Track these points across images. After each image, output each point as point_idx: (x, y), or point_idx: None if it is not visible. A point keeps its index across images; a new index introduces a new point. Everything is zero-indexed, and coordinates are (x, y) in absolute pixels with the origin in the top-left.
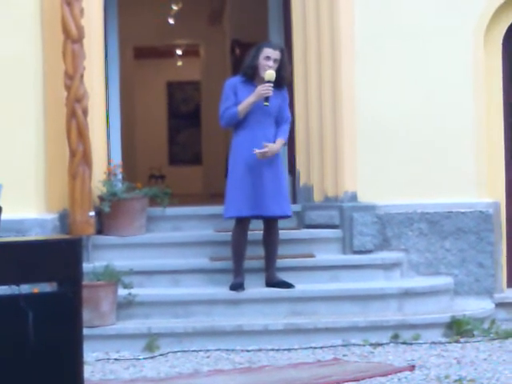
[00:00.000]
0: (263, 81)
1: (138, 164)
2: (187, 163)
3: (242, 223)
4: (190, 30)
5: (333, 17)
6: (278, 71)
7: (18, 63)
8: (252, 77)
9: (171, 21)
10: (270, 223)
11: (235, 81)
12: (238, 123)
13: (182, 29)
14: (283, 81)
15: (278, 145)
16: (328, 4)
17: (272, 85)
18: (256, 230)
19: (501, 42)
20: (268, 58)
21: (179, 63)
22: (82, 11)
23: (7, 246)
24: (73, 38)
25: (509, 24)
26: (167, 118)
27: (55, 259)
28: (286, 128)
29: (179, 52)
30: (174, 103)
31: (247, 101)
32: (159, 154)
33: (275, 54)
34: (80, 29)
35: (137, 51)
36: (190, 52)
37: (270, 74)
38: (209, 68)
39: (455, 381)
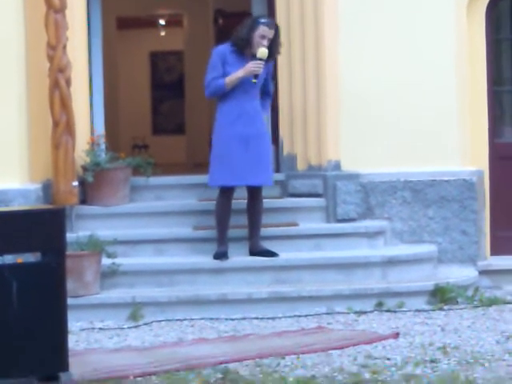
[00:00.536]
0: (253, 55)
1: (122, 134)
2: (170, 133)
3: (226, 192)
4: (173, 0)
5: None
6: (270, 48)
7: (0, 34)
8: (243, 48)
9: None
10: (254, 192)
11: (224, 49)
12: (224, 94)
13: None
14: (272, 57)
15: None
16: None
17: (263, 63)
18: (240, 199)
19: (484, 11)
20: (263, 36)
21: (162, 33)
22: None
23: None
24: (55, 8)
25: None
26: (150, 87)
27: (39, 229)
28: (268, 102)
29: (162, 22)
30: (158, 73)
31: (236, 75)
32: (143, 124)
33: (270, 33)
34: None
35: (120, 21)
36: (173, 22)
37: (262, 52)
38: (192, 38)
39: (439, 348)
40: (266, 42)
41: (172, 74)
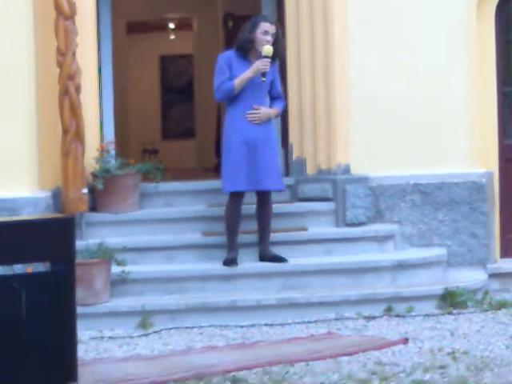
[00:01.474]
0: (259, 55)
1: (132, 139)
2: (180, 137)
3: (236, 197)
4: (183, 4)
5: None
6: (273, 46)
7: (10, 40)
8: (247, 51)
9: None
10: (264, 197)
11: (229, 54)
12: (232, 97)
13: (175, 2)
14: (278, 55)
15: (270, 110)
16: None
17: (270, 60)
18: (249, 204)
19: (493, 12)
20: (266, 32)
21: (172, 37)
22: None
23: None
24: (65, 15)
25: None
26: (160, 91)
27: (48, 239)
28: (280, 102)
29: (172, 26)
30: (167, 77)
31: (245, 75)
32: (152, 129)
33: (272, 28)
34: (72, 5)
35: (129, 26)
36: (183, 25)
37: (268, 48)
38: (202, 41)
39: (448, 353)
40: (269, 38)
41: (182, 77)
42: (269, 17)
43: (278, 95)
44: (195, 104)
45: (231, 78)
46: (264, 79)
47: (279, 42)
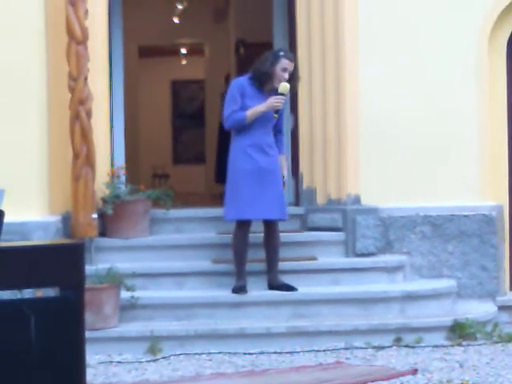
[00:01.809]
0: (273, 89)
1: (142, 163)
2: (191, 162)
3: (243, 226)
4: (195, 29)
5: (337, 20)
6: (289, 82)
7: (22, 65)
8: (263, 83)
9: (176, 20)
10: (270, 226)
11: (242, 82)
12: (241, 127)
13: (187, 28)
14: (292, 90)
15: (284, 162)
16: (333, 6)
17: (285, 97)
18: (258, 233)
19: (506, 42)
20: (285, 69)
21: (184, 62)
22: (86, 12)
23: (10, 251)
24: (77, 40)
25: None
26: (171, 116)
27: (58, 264)
28: (282, 140)
29: (184, 51)
30: (179, 102)
31: (258, 109)
32: (163, 153)
33: (291, 66)
34: (84, 30)
35: (141, 50)
36: (195, 51)
37: (285, 86)
38: (213, 67)
39: None
40: (287, 75)
41: (193, 102)
42: (289, 54)
43: (280, 131)
44: (206, 129)
45: (242, 107)
46: (276, 116)
47: (295, 78)
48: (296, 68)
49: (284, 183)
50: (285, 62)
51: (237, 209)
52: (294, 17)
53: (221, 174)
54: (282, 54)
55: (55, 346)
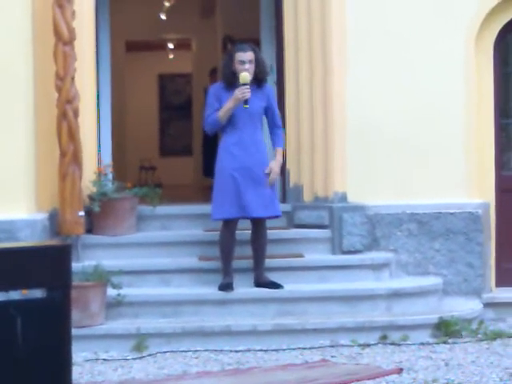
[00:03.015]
0: (238, 84)
1: (129, 155)
2: (178, 154)
3: (229, 224)
4: (182, 25)
5: (325, 17)
6: (255, 70)
7: (9, 64)
8: (232, 82)
9: (163, 16)
10: (258, 224)
11: (217, 87)
12: (225, 126)
13: (174, 23)
14: (262, 78)
15: (278, 156)
16: (320, 4)
17: (248, 87)
18: (245, 230)
19: (492, 44)
20: (242, 62)
21: (171, 56)
22: (73, 14)
23: None
24: (64, 40)
25: (500, 27)
26: (158, 109)
27: (44, 266)
28: (279, 133)
29: (171, 45)
30: (166, 95)
31: (227, 106)
32: (150, 146)
33: (247, 55)
34: (71, 31)
35: (129, 44)
36: (182, 45)
37: (243, 76)
38: (200, 61)
39: None
40: (247, 66)
41: (180, 96)
42: (242, 46)
43: (276, 125)
44: (193, 121)
45: (219, 110)
46: (247, 106)
47: (258, 64)
48: (258, 57)
49: (269, 176)
50: (238, 55)
51: (222, 208)
52: (281, 13)
53: (207, 169)
54: (234, 49)
55: (42, 347)
